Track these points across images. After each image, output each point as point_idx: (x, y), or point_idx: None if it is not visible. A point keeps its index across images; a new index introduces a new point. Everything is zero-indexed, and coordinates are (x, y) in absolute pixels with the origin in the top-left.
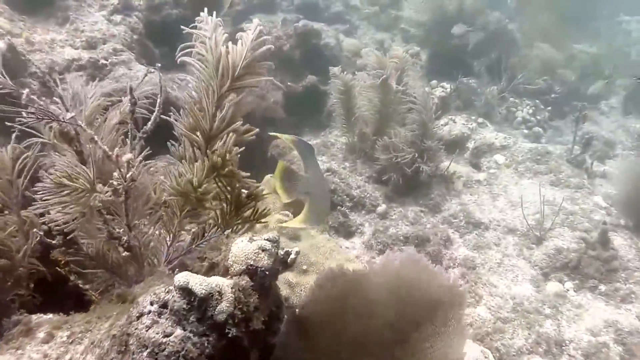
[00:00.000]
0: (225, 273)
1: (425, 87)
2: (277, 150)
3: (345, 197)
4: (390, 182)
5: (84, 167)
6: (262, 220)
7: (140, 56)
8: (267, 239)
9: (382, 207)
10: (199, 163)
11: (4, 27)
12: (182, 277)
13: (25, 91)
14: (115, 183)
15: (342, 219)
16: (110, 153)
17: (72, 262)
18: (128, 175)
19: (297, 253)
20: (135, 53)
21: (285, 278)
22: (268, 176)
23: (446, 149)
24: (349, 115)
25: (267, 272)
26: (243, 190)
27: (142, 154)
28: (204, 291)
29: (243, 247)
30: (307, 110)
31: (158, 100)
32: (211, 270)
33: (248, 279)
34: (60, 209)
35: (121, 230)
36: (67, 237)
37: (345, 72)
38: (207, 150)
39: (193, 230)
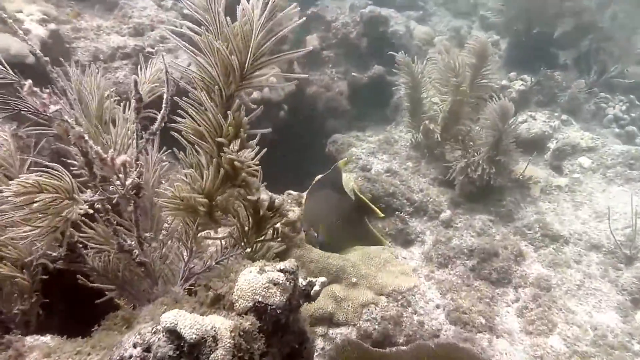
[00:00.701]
0: (231, 308)
1: (503, 80)
2: (335, 147)
3: (405, 201)
4: (457, 185)
5: (64, 171)
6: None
7: (190, 44)
8: (281, 270)
9: (446, 214)
10: (208, 172)
11: (50, 14)
12: (169, 317)
13: (28, 82)
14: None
15: (401, 226)
16: (104, 155)
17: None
18: (128, 182)
19: (323, 284)
20: (185, 40)
21: (332, 291)
22: (319, 176)
23: (523, 149)
24: (416, 109)
25: (279, 311)
26: (263, 203)
27: (155, 156)
28: (194, 336)
29: (251, 280)
30: (373, 102)
31: (165, 97)
32: (215, 302)
33: (254, 319)
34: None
35: (133, 242)
36: (70, 249)
37: (415, 63)
38: (218, 157)
39: (209, 245)
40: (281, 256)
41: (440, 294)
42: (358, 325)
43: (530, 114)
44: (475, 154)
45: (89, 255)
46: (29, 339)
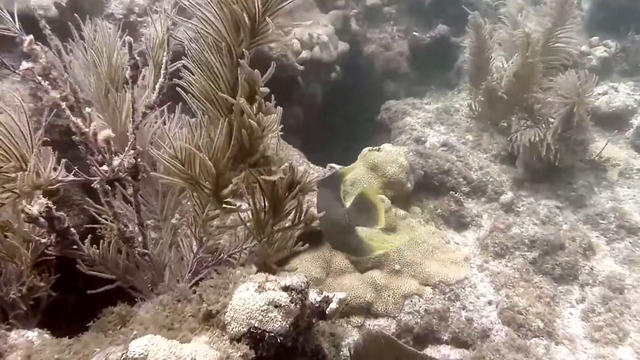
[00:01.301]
0: (225, 329)
1: (583, 45)
2: (389, 114)
3: (461, 179)
4: (522, 163)
5: (29, 133)
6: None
7: None
8: (286, 287)
9: (507, 196)
10: (216, 134)
11: None
12: (139, 347)
13: (28, 38)
14: (105, 169)
15: (455, 207)
16: (84, 129)
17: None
18: (116, 163)
19: (342, 302)
20: None
21: (371, 278)
22: (366, 149)
23: (602, 125)
24: (480, 75)
25: (280, 338)
26: (281, 177)
27: (175, 129)
28: None
29: (246, 300)
30: (435, 64)
31: (164, 61)
32: (207, 320)
33: (247, 348)
34: None
35: (136, 229)
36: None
37: (485, 23)
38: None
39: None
40: (317, 238)
41: (494, 288)
42: (398, 317)
43: (612, 84)
44: (543, 127)
45: (84, 243)
46: (14, 335)
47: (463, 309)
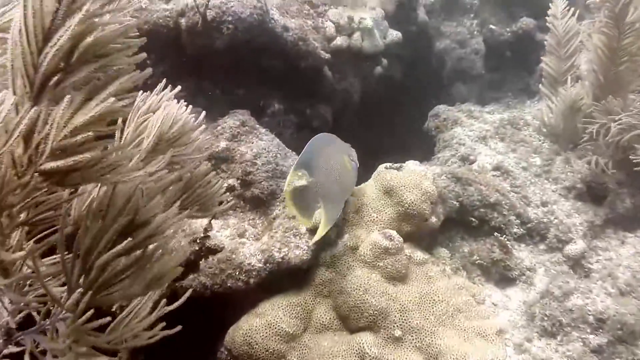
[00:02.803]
0: None
1: None
2: (436, 122)
3: (513, 217)
4: (606, 199)
5: None
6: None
7: None
8: None
9: (576, 246)
10: None
11: None
12: None
13: None
14: None
15: (499, 255)
16: None
17: None
18: None
19: None
20: None
21: (359, 343)
22: (382, 166)
23: None
24: (560, 78)
25: None
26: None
27: None
28: None
29: None
30: (514, 66)
31: None
32: None
33: None
34: None
35: None
36: None
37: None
38: None
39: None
40: (300, 278)
41: None
42: None
43: None
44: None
45: None
46: None
47: None
